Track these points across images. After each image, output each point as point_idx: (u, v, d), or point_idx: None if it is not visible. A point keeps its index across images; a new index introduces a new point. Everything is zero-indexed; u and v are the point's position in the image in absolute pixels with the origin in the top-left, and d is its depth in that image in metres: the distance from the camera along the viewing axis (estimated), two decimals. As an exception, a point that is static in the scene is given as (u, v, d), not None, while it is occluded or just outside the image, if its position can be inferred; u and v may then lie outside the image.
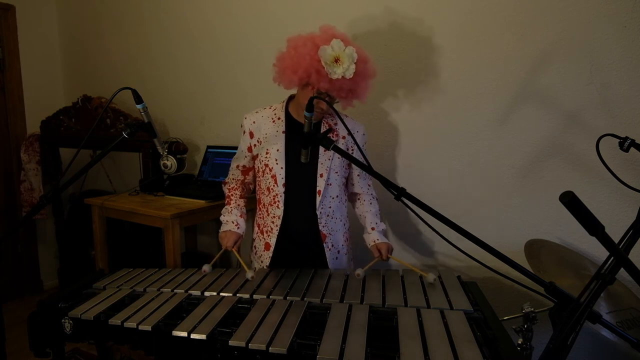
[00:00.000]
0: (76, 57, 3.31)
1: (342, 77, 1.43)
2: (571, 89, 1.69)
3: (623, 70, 1.59)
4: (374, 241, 1.65)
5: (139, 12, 2.88)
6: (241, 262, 1.58)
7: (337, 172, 1.64)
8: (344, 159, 1.61)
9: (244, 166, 1.75)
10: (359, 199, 1.77)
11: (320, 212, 1.63)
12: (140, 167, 2.65)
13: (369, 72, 1.53)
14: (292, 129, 1.63)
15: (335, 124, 1.65)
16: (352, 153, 1.65)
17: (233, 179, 1.79)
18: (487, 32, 1.81)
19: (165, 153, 2.46)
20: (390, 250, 1.64)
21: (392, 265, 2.07)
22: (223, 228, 1.68)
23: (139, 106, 1.36)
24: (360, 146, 1.66)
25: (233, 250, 1.62)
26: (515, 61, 1.77)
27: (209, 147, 2.62)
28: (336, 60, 1.42)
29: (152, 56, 2.88)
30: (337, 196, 1.66)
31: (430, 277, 1.44)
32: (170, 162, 2.45)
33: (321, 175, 1.61)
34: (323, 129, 1.64)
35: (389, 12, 2.01)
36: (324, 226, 1.65)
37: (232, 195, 1.76)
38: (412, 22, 1.96)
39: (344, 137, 1.65)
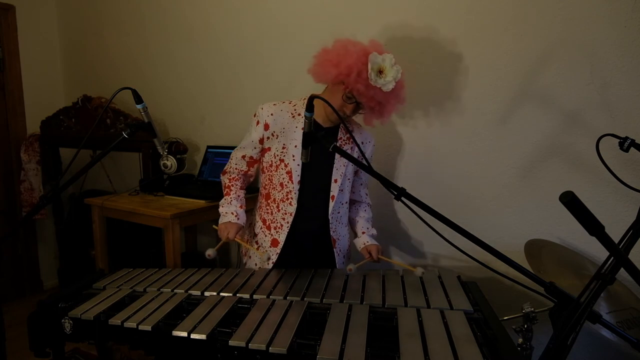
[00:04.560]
0: (76, 57, 3.31)
1: (380, 87, 1.45)
2: (571, 89, 1.68)
3: (623, 70, 1.59)
4: (364, 244, 1.70)
5: (139, 12, 2.88)
6: (249, 247, 1.64)
7: (349, 179, 1.68)
8: (355, 166, 1.65)
9: (250, 157, 1.69)
10: (355, 205, 1.82)
11: (332, 217, 1.64)
12: (140, 167, 2.65)
13: (402, 95, 1.58)
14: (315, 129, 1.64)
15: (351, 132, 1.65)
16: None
17: (236, 169, 1.73)
18: (487, 32, 1.81)
19: (165, 153, 2.46)
20: (379, 251, 1.68)
21: (383, 264, 2.07)
22: (222, 220, 1.64)
23: (139, 106, 1.36)
24: (369, 157, 1.72)
25: (237, 239, 1.61)
26: (515, 61, 1.77)
27: (209, 147, 2.62)
28: (380, 71, 1.45)
29: (152, 56, 2.88)
30: (346, 202, 1.70)
31: (419, 271, 1.47)
32: (170, 162, 2.45)
33: (335, 181, 1.62)
34: (340, 136, 1.65)
35: (388, 13, 2.01)
36: (334, 231, 1.67)
37: (232, 185, 1.71)
38: (411, 23, 1.96)
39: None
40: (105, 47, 3.11)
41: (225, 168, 1.77)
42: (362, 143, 1.69)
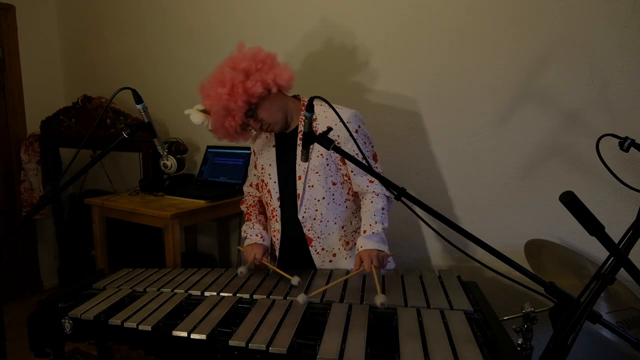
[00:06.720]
0: (76, 57, 3.31)
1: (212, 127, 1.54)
2: (571, 89, 1.68)
3: (623, 70, 1.59)
4: (358, 248, 1.43)
5: (139, 12, 2.88)
6: (279, 271, 1.51)
7: (317, 172, 1.53)
8: (324, 157, 1.53)
9: (257, 184, 1.76)
10: (361, 200, 1.60)
11: (304, 217, 1.57)
12: (140, 167, 2.65)
13: (232, 102, 1.43)
14: (281, 140, 1.62)
15: (314, 119, 1.54)
16: (341, 146, 1.49)
17: (250, 196, 1.80)
18: (487, 32, 1.81)
19: (165, 153, 2.46)
20: (378, 259, 1.37)
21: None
22: (247, 242, 1.66)
23: (139, 106, 1.36)
24: (351, 134, 1.44)
25: (264, 261, 1.58)
26: (515, 61, 1.77)
27: (209, 147, 2.62)
28: (204, 112, 1.54)
29: (152, 56, 2.88)
30: (323, 198, 1.54)
31: (378, 299, 1.16)
32: (170, 162, 2.45)
33: (299, 178, 1.55)
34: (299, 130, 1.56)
35: (388, 13, 2.01)
36: (309, 230, 1.58)
37: (251, 212, 1.75)
38: (411, 23, 1.96)
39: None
40: (105, 47, 3.11)
41: (242, 198, 1.84)
42: (330, 127, 1.37)
